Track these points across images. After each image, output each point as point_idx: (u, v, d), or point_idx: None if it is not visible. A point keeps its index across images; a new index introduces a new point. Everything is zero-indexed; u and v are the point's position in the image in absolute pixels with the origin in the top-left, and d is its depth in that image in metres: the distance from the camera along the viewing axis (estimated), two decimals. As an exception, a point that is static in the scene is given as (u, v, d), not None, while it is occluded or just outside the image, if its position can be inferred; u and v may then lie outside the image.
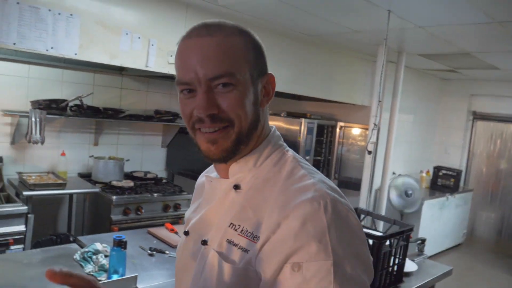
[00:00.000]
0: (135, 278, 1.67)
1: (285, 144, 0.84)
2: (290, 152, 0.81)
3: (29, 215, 2.74)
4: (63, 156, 3.39)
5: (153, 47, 2.90)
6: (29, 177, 3.14)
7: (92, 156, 3.58)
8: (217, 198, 0.81)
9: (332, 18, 3.05)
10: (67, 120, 3.43)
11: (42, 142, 3.06)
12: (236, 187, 0.78)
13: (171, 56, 3.00)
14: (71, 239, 3.13)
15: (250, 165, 0.78)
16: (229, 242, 0.74)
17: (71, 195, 3.42)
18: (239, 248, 0.73)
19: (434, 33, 3.18)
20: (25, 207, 2.70)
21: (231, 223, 0.75)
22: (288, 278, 0.66)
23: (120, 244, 1.64)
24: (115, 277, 1.66)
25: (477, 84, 5.92)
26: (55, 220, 3.55)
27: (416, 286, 2.09)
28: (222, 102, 0.73)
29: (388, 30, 2.85)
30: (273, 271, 0.67)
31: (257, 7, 2.95)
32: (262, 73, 0.78)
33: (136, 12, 2.81)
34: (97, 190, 3.19)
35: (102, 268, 1.76)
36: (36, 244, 2.90)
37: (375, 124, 2.98)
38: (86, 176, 3.57)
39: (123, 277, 1.65)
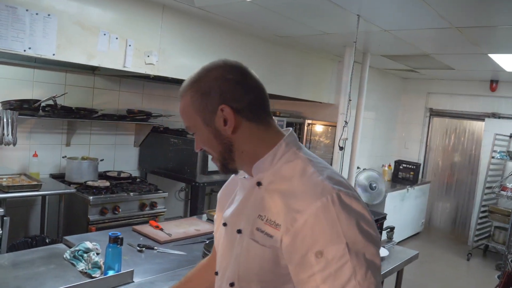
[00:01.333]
0: (131, 273, 1.73)
1: (299, 145, 0.99)
2: (303, 152, 0.96)
3: (4, 218, 2.70)
4: (35, 157, 3.34)
5: (130, 47, 2.93)
6: (0, 179, 3.07)
7: (65, 156, 3.55)
8: (245, 193, 1.00)
9: (304, 20, 3.19)
10: (38, 121, 3.37)
11: (14, 144, 3.02)
12: (259, 183, 0.95)
13: (148, 56, 3.04)
14: (47, 240, 3.10)
15: (267, 165, 0.95)
16: (258, 229, 0.92)
17: (44, 196, 3.38)
18: (265, 234, 0.90)
19: (398, 36, 3.40)
20: (1, 210, 2.67)
21: (259, 215, 0.92)
22: (314, 264, 0.82)
23: (116, 241, 1.70)
24: (111, 273, 1.72)
25: (434, 83, 6.31)
26: (27, 222, 3.49)
27: (388, 270, 2.28)
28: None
29: (357, 33, 3.03)
30: (298, 260, 0.84)
31: (232, 9, 3.04)
32: (214, 111, 0.93)
33: (114, 13, 2.83)
34: (73, 190, 3.17)
35: (95, 265, 1.80)
36: (11, 247, 2.85)
37: (346, 122, 3.16)
38: (59, 177, 3.52)
39: (120, 272, 1.71)
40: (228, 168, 0.99)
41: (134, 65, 2.99)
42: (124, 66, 2.93)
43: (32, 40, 2.47)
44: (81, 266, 1.83)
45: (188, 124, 0.99)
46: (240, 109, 0.93)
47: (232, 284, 0.97)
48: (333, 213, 0.82)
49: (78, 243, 1.98)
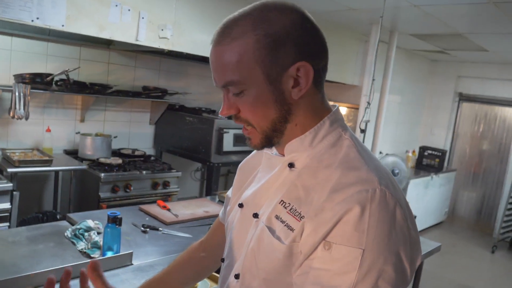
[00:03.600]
0: (130, 254, 1.64)
1: (345, 125, 0.81)
2: (348, 134, 0.78)
3: (14, 193, 2.66)
4: (48, 132, 3.30)
5: (143, 20, 2.80)
6: (13, 153, 3.04)
7: (79, 132, 3.50)
8: (272, 174, 0.81)
9: (327, -6, 2.99)
10: (52, 96, 3.32)
11: (27, 118, 2.96)
12: (291, 165, 0.78)
13: (162, 30, 2.91)
14: (58, 216, 3.08)
15: (306, 145, 0.77)
16: (277, 218, 0.75)
17: (57, 172, 3.35)
18: (285, 225, 0.73)
19: (428, 12, 3.15)
20: (10, 184, 2.63)
21: (281, 200, 0.76)
22: (318, 255, 0.68)
23: (115, 221, 1.61)
24: (109, 254, 1.63)
25: (465, 66, 5.97)
26: (40, 198, 3.48)
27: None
28: (239, 106, 0.75)
29: (384, 8, 2.82)
30: (310, 249, 0.69)
31: (251, -20, 2.87)
32: (285, 66, 0.71)
33: (126, -17, 2.70)
34: (84, 167, 3.12)
35: (95, 245, 1.72)
36: (22, 222, 2.85)
37: (368, 103, 2.97)
38: (72, 153, 3.48)
39: (119, 254, 1.62)
40: (272, 142, 0.78)
41: (148, 39, 2.87)
42: (137, 40, 2.82)
43: (40, 10, 2.37)
44: (81, 245, 1.76)
45: (236, 79, 0.72)
46: (316, 70, 0.73)
47: (237, 276, 0.82)
48: (367, 211, 0.65)
49: (80, 221, 1.91)
